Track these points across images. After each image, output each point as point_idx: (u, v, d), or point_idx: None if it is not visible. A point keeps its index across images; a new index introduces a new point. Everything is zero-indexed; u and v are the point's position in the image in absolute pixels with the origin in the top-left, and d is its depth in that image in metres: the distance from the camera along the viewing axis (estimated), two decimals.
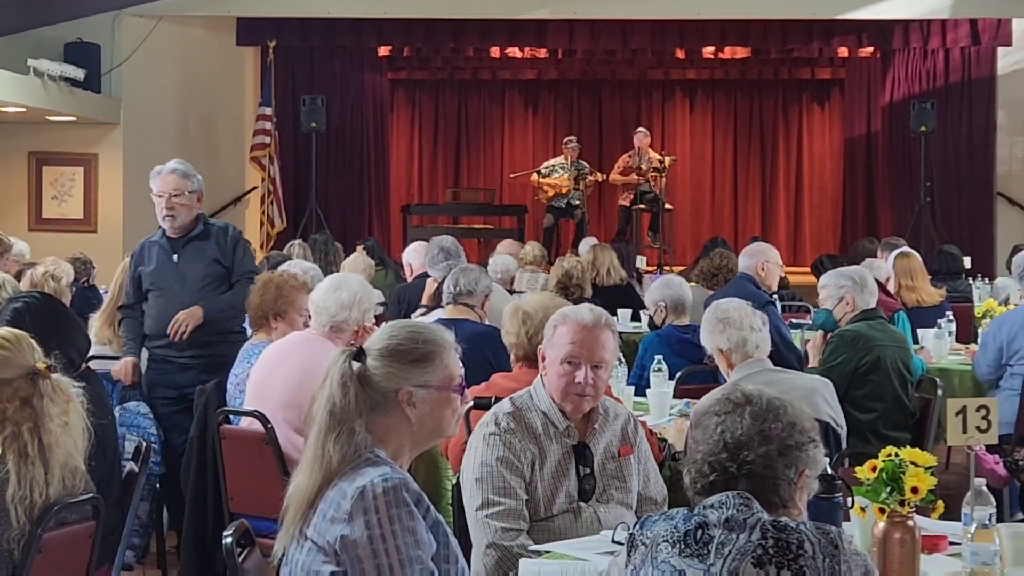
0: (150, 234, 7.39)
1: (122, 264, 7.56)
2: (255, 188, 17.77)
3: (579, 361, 4.24)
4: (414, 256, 9.92)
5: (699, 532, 2.94)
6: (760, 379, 5.43)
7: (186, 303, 7.01)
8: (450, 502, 4.78)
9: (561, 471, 4.25)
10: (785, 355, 7.37)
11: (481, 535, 4.13)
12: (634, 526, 3.11)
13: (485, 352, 6.26)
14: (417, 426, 3.34)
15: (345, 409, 3.24)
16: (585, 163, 18.20)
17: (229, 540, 3.41)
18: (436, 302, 7.81)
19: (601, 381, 4.29)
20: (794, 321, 9.23)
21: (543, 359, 4.36)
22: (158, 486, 6.94)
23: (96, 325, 7.49)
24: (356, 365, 3.30)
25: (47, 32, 15.09)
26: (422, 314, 7.94)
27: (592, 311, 4.37)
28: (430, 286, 8.72)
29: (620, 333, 9.38)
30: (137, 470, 4.88)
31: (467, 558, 3.87)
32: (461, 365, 3.46)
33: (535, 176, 18.12)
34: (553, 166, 18.05)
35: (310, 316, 6.14)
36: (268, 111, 17.36)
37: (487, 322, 7.07)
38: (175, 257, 7.13)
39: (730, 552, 2.89)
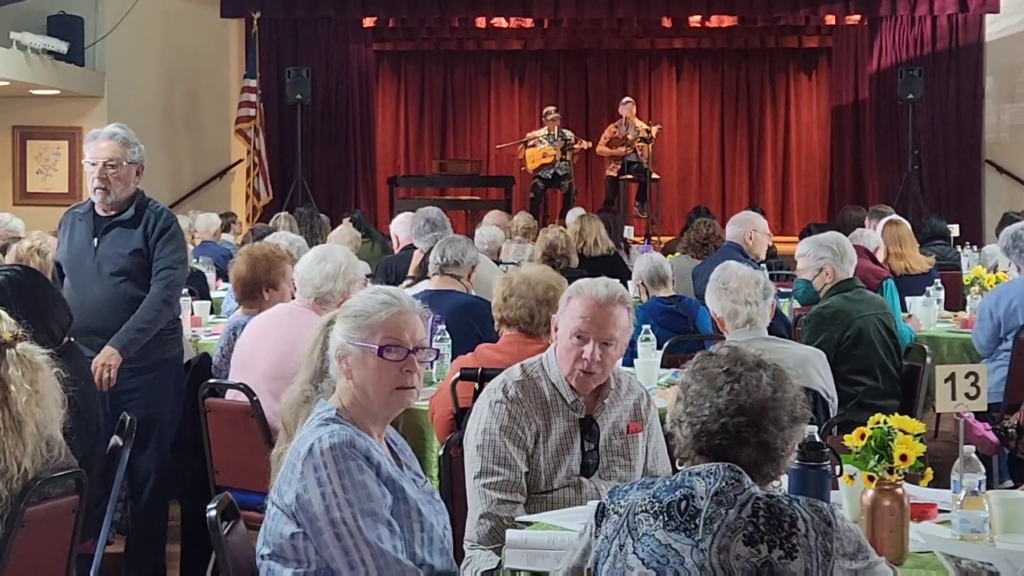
0: (76, 204, 6.48)
1: None
2: (240, 161, 17.72)
3: (588, 337, 4.15)
4: (401, 228, 9.89)
5: (683, 504, 2.88)
6: (754, 347, 5.39)
7: (98, 300, 5.99)
8: (435, 473, 4.76)
9: (565, 445, 4.20)
10: (774, 324, 7.33)
11: (477, 503, 4.10)
12: (604, 495, 3.06)
13: (472, 323, 6.24)
14: (358, 389, 3.36)
15: (321, 364, 3.34)
16: (569, 132, 18.16)
17: (213, 513, 3.39)
18: (422, 273, 7.78)
19: (610, 359, 4.19)
20: (782, 290, 9.20)
21: (555, 329, 4.31)
22: None
23: None
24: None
25: (30, 5, 14.96)
26: (408, 285, 7.91)
27: (608, 286, 4.25)
28: (416, 257, 8.70)
29: None
30: (121, 444, 4.85)
31: (455, 525, 3.85)
32: (417, 332, 3.46)
33: (521, 148, 18.09)
34: (538, 137, 18.02)
35: (295, 288, 6.13)
36: (253, 83, 17.29)
37: (474, 293, 7.04)
38: (95, 241, 6.08)
39: (719, 528, 2.83)
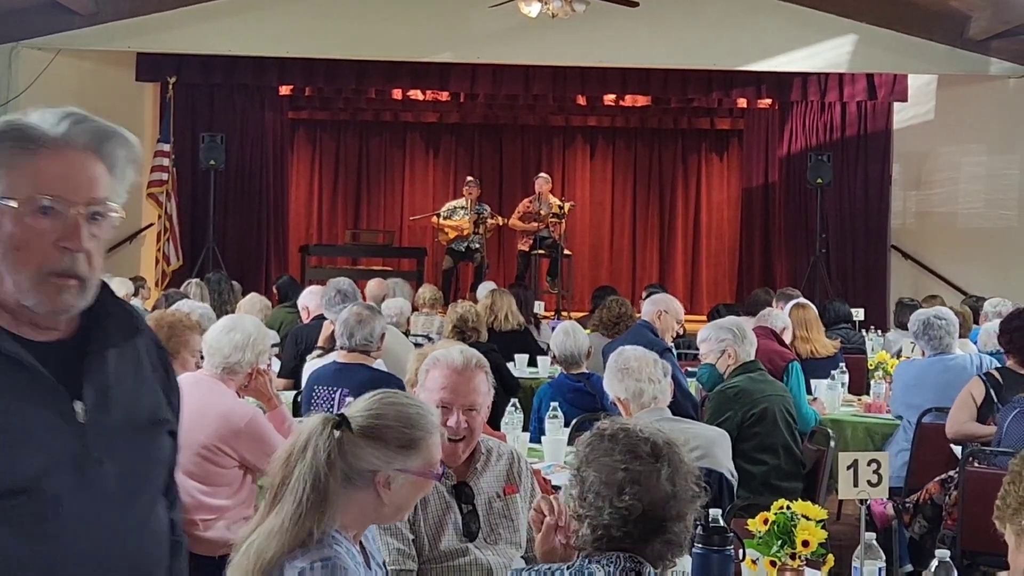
0: None
1: None
2: (151, 225, 17.57)
3: (451, 406, 4.22)
4: (310, 299, 9.90)
5: None
6: (661, 427, 5.43)
7: (116, 547, 2.41)
8: None
9: (443, 511, 4.21)
10: (682, 403, 7.39)
11: None
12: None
13: None
14: (387, 507, 3.22)
15: (329, 485, 3.09)
16: (486, 206, 18.22)
17: None
18: (332, 344, 7.76)
19: (476, 424, 4.27)
20: (690, 369, 9.27)
21: None
22: None
23: None
24: (337, 434, 3.15)
25: None
26: (318, 355, 7.89)
27: (463, 353, 4.34)
28: (326, 328, 8.67)
29: (517, 378, 9.42)
30: None
31: None
32: (440, 450, 3.33)
33: (435, 218, 18.10)
34: (454, 208, 18.05)
35: (202, 357, 6.05)
36: (167, 148, 17.17)
37: (381, 362, 7.04)
38: (77, 407, 2.39)
39: None
